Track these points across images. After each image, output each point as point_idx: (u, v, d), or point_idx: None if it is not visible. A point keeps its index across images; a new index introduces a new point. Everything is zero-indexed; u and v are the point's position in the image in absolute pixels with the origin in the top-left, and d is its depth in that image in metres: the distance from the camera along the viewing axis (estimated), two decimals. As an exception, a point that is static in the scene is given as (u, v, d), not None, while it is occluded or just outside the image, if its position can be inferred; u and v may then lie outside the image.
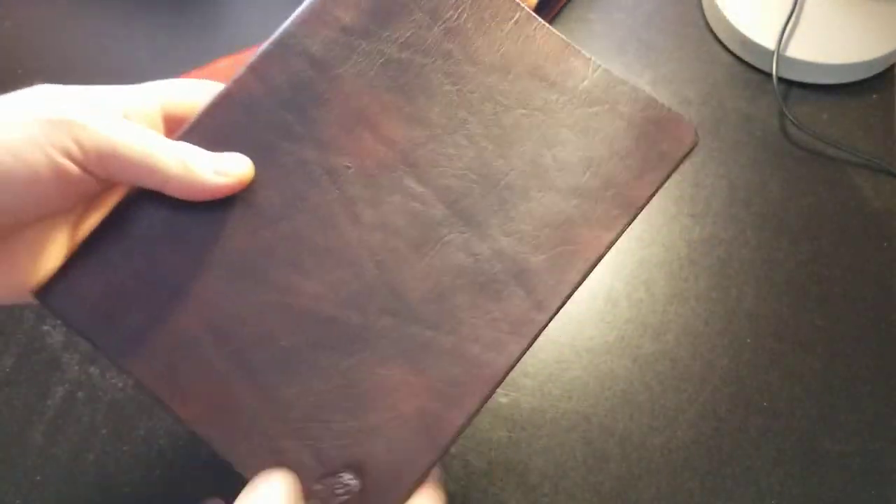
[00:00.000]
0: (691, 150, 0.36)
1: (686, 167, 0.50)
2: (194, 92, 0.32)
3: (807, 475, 0.42)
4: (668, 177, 0.35)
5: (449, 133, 0.34)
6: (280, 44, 0.33)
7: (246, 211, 0.32)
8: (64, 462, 0.42)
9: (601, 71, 0.35)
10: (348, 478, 0.31)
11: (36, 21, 0.55)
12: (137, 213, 0.31)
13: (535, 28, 0.35)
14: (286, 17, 0.53)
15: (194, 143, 0.31)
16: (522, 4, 0.36)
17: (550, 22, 0.56)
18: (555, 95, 0.35)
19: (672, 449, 0.42)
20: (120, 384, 0.44)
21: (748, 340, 0.45)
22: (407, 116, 0.34)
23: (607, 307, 0.46)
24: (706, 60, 0.54)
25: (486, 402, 0.32)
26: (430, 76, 0.34)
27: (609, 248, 0.34)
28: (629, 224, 0.35)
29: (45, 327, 0.45)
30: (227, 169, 0.30)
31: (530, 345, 0.33)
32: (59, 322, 0.45)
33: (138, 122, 0.29)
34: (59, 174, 0.26)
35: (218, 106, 0.32)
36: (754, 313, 0.46)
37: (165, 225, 0.32)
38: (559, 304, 0.33)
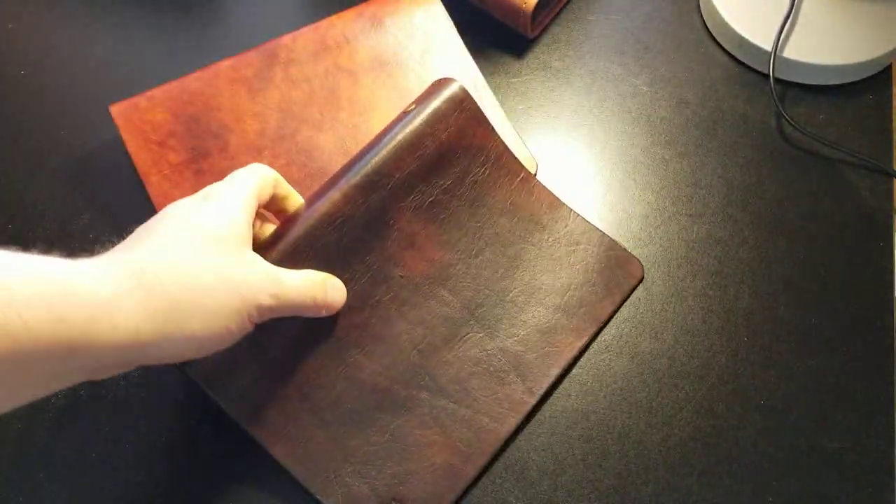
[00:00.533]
0: (640, 281, 0.47)
1: (684, 167, 0.51)
2: (272, 181, 0.40)
3: (804, 472, 0.42)
4: (623, 300, 0.46)
5: (472, 257, 0.45)
6: (367, 178, 0.42)
7: None
8: (66, 460, 0.42)
9: (579, 219, 0.47)
10: None
11: (38, 23, 0.56)
12: None
13: (534, 184, 0.47)
14: (285, 19, 0.54)
15: (303, 245, 0.40)
16: (525, 167, 0.47)
17: (549, 23, 0.56)
18: (546, 235, 0.47)
19: (670, 446, 0.43)
20: (122, 382, 0.44)
21: (745, 339, 0.45)
22: (443, 243, 0.45)
23: (606, 306, 0.46)
24: (703, 61, 0.55)
25: (492, 459, 0.42)
26: (460, 214, 0.45)
27: (581, 351, 0.44)
28: (596, 335, 0.45)
29: (48, 326, 0.45)
30: (335, 304, 0.40)
31: (523, 420, 0.42)
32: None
33: (252, 216, 0.38)
34: (243, 332, 0.36)
35: (319, 221, 0.41)
36: (751, 312, 0.46)
37: None
38: (544, 390, 0.43)
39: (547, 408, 0.44)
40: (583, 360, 0.45)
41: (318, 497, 0.40)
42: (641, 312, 0.46)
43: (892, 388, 0.44)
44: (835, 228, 0.49)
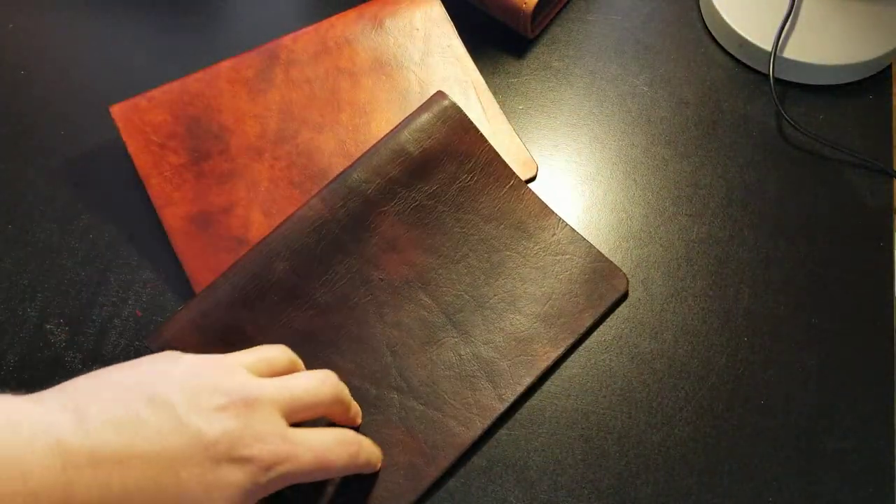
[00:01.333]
0: (624, 295, 0.46)
1: (684, 167, 0.51)
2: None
3: (804, 472, 0.42)
4: (606, 313, 0.45)
5: (454, 263, 0.45)
6: (344, 183, 0.44)
7: (306, 302, 0.43)
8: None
9: (567, 229, 0.47)
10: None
11: (38, 24, 0.56)
12: (224, 288, 0.42)
13: (524, 192, 0.47)
14: (286, 19, 0.54)
15: (278, 246, 0.42)
16: (516, 174, 0.47)
17: (549, 23, 0.56)
18: (531, 244, 0.46)
19: (670, 446, 0.43)
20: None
21: (745, 339, 0.45)
22: (426, 247, 0.45)
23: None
24: (703, 62, 0.55)
25: (455, 462, 0.42)
26: (445, 219, 0.46)
27: (555, 361, 0.44)
28: (572, 346, 0.44)
29: (48, 326, 0.45)
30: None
31: (491, 425, 0.42)
32: (62, 321, 0.45)
33: None
34: None
35: (296, 224, 0.43)
36: (751, 312, 0.46)
37: (245, 302, 0.42)
38: (515, 398, 0.43)
39: (547, 408, 0.44)
40: (583, 360, 0.45)
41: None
42: (641, 312, 0.46)
43: (892, 389, 0.44)
44: (835, 228, 0.49)
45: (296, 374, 0.37)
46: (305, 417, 0.36)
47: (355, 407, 0.41)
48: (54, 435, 0.30)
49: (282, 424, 0.34)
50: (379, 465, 0.40)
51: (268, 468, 0.33)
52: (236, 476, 0.32)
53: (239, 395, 0.33)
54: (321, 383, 0.37)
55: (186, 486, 0.31)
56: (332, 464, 0.36)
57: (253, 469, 0.33)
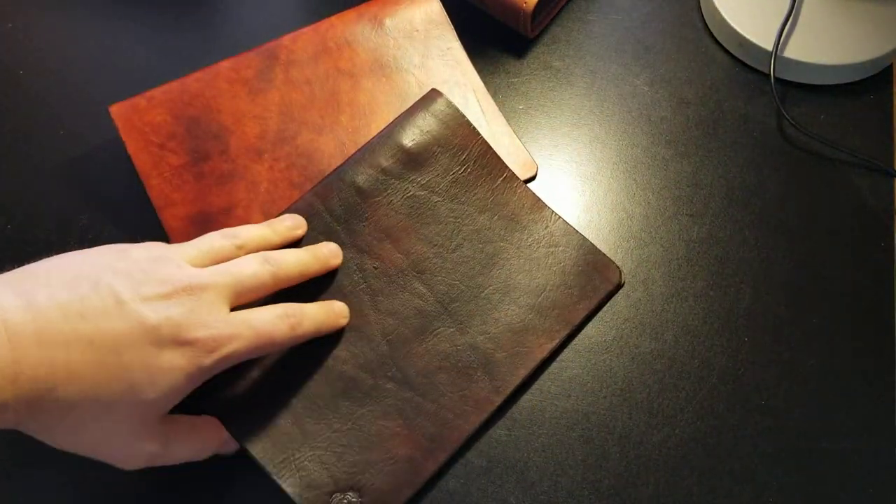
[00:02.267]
0: (618, 287, 0.47)
1: (684, 167, 0.51)
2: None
3: (804, 473, 0.42)
4: (599, 305, 0.46)
5: (449, 252, 0.46)
6: (338, 176, 0.45)
7: (301, 293, 0.42)
8: (64, 459, 0.42)
9: (560, 221, 0.48)
10: (352, 495, 0.40)
11: (37, 23, 0.56)
12: None
13: (517, 185, 0.48)
14: (285, 19, 0.54)
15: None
16: (508, 167, 0.48)
17: (549, 23, 0.56)
18: (525, 235, 0.47)
19: (670, 447, 0.43)
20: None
21: (746, 339, 0.45)
22: (420, 236, 0.45)
23: (605, 306, 0.46)
24: (704, 61, 0.55)
25: (454, 456, 0.42)
26: (439, 209, 0.46)
27: (551, 353, 0.44)
28: (566, 337, 0.45)
29: (49, 327, 0.45)
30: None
31: (488, 418, 0.43)
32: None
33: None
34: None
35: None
36: (752, 312, 0.46)
37: None
38: (511, 390, 0.43)
39: (547, 408, 0.44)
40: (583, 360, 0.45)
41: (275, 478, 0.39)
42: (641, 312, 0.46)
43: (893, 389, 0.44)
44: (835, 228, 0.49)
45: (238, 260, 0.38)
46: (251, 299, 0.38)
47: (312, 266, 0.41)
48: (2, 316, 0.31)
49: (224, 309, 0.36)
50: (335, 323, 0.41)
51: (210, 350, 0.35)
52: (179, 360, 0.34)
53: (182, 284, 0.35)
54: (260, 267, 0.38)
55: (129, 369, 0.33)
56: (274, 338, 0.37)
57: (195, 352, 0.34)
